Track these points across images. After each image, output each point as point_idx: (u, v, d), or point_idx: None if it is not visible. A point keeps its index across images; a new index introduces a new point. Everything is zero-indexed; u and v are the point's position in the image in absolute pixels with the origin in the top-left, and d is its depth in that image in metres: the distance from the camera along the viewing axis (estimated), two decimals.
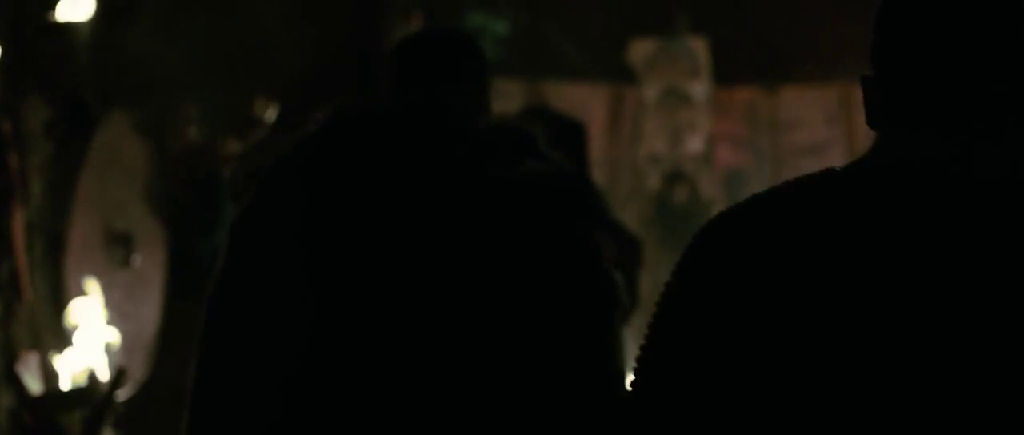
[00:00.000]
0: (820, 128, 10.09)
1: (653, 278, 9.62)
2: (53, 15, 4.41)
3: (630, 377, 1.54)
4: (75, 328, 4.24)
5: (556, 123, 4.47)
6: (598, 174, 10.19)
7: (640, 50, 9.76)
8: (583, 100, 10.08)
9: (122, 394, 4.54)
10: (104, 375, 4.24)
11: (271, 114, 5.08)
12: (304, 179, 2.12)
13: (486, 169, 2.06)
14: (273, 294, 2.09)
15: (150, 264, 4.77)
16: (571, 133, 4.65)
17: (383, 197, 2.06)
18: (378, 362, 2.01)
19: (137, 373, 4.75)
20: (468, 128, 2.14)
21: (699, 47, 9.71)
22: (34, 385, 3.98)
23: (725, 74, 9.99)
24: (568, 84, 10.00)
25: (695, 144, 9.60)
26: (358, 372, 2.02)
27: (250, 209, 2.18)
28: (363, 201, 2.08)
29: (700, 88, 9.66)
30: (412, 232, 2.03)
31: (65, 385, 4.08)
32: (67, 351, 4.13)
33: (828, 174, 1.50)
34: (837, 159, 10.32)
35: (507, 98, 8.51)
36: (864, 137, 9.91)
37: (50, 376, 4.04)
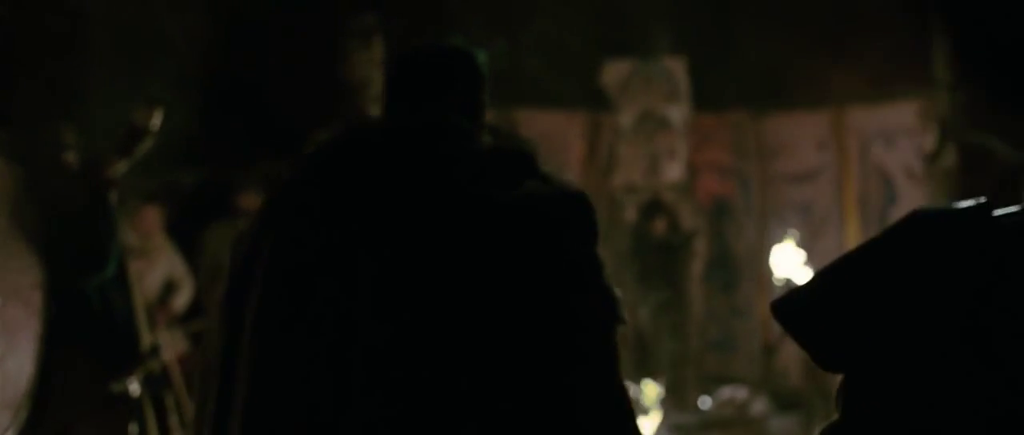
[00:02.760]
0: (810, 155, 9.47)
1: (631, 320, 9.05)
2: None
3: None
4: None
5: None
6: None
7: (614, 73, 9.15)
8: (560, 128, 9.55)
9: None
10: None
11: (156, 121, 4.43)
12: (304, 204, 2.15)
13: (482, 191, 2.08)
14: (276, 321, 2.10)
15: (20, 309, 4.15)
16: None
17: (384, 224, 2.07)
18: (384, 391, 2.02)
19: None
20: (465, 149, 2.15)
21: (677, 68, 9.08)
22: None
23: (707, 98, 9.42)
24: (544, 112, 9.47)
25: (674, 172, 8.95)
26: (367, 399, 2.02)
27: (253, 232, 2.18)
28: (365, 229, 2.08)
29: (678, 112, 9.03)
30: (411, 260, 2.05)
31: None
32: None
33: None
34: (828, 187, 9.81)
35: None
36: (856, 163, 9.33)
37: None
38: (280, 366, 2.07)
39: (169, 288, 7.81)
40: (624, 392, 2.10)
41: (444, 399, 2.00)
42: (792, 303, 1.82)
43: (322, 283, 2.07)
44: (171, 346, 7.59)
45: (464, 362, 2.00)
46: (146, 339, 4.73)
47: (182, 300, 7.83)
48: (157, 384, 4.67)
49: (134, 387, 4.58)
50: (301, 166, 2.21)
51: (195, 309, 8.01)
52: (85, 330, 4.47)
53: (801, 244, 8.60)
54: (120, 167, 4.42)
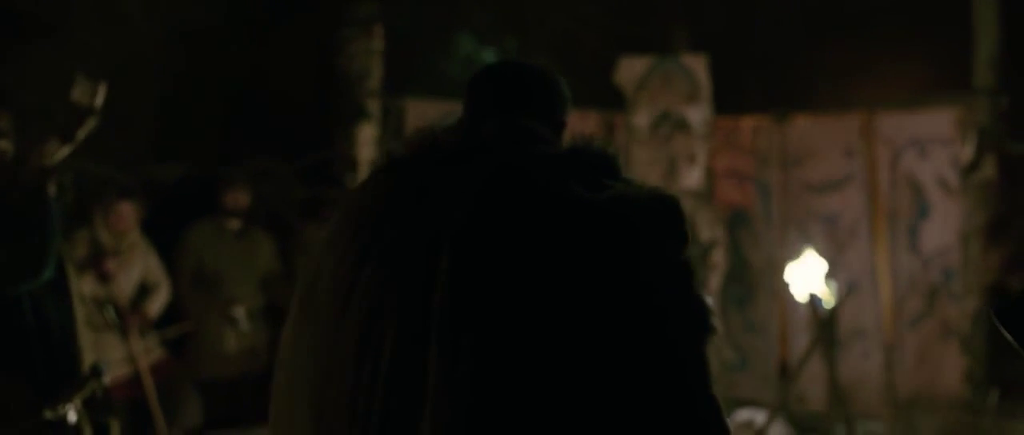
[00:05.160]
0: (837, 162, 8.86)
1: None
2: None
3: None
4: None
5: None
6: None
7: (630, 69, 8.54)
8: (571, 128, 8.97)
9: None
10: None
11: (99, 99, 3.82)
12: (385, 209, 2.20)
13: (567, 191, 2.08)
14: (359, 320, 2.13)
15: None
16: None
17: (470, 229, 2.08)
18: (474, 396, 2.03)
19: None
20: (542, 150, 2.19)
21: (697, 66, 8.47)
22: None
23: (728, 100, 8.83)
24: None
25: (693, 178, 8.35)
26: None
27: (333, 238, 2.24)
28: (450, 234, 2.09)
29: (698, 113, 8.42)
30: (502, 264, 2.05)
31: None
32: None
33: None
34: (855, 197, 9.22)
35: None
36: (886, 173, 8.73)
37: None
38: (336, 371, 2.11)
39: (144, 291, 7.25)
40: (715, 402, 2.09)
41: (528, 408, 1.99)
42: (1016, 311, 1.95)
43: (400, 290, 2.09)
44: (144, 354, 7.05)
45: (551, 370, 2.00)
46: (87, 358, 4.13)
47: (158, 304, 7.27)
48: (99, 410, 4.09)
49: (72, 414, 3.99)
50: (375, 179, 2.27)
51: (172, 313, 7.45)
52: (14, 346, 3.88)
53: (825, 256, 8.01)
54: (61, 153, 3.83)
